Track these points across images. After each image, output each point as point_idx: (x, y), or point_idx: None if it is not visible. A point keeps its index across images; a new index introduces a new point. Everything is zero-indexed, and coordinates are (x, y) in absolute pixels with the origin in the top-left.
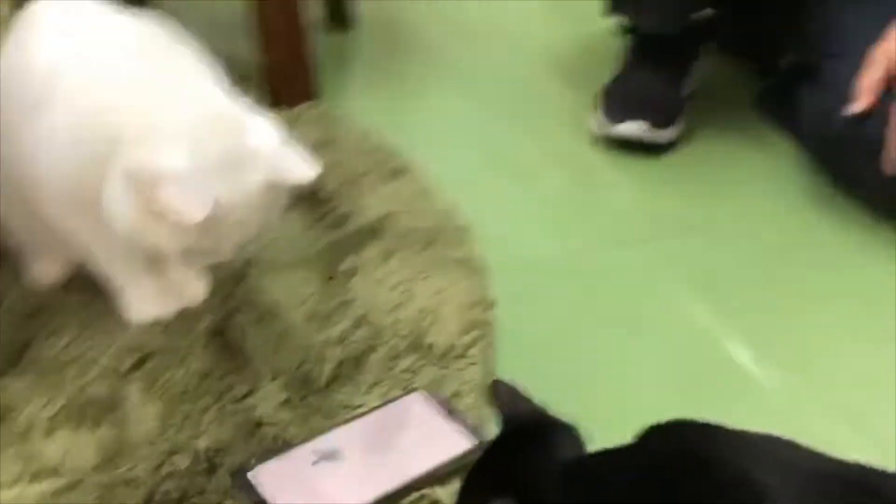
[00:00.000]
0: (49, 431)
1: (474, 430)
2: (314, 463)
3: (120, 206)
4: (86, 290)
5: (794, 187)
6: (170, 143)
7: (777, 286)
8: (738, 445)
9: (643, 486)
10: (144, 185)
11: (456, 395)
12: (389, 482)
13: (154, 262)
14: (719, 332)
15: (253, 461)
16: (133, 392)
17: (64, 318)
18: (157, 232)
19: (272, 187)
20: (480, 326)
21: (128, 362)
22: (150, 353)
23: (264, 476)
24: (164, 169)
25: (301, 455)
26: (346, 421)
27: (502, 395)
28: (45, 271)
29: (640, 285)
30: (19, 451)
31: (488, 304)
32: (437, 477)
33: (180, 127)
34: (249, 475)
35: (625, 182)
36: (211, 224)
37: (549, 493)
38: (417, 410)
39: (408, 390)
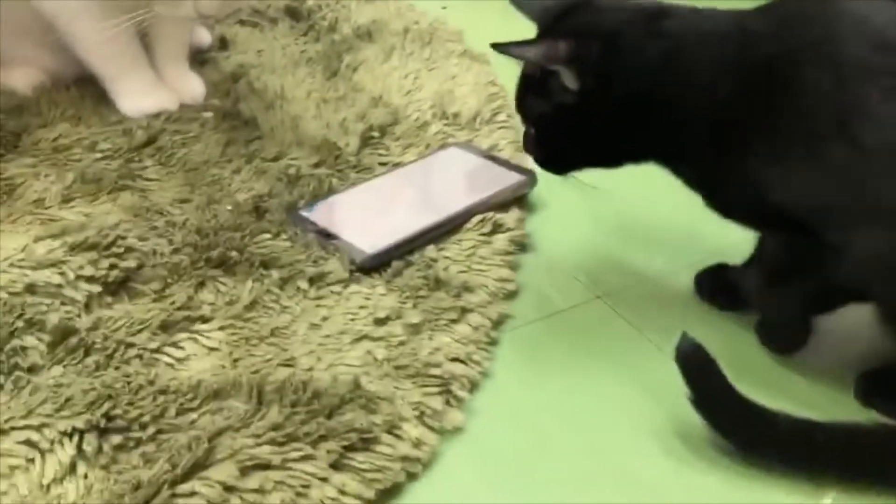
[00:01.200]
0: (66, 201)
1: (520, 167)
2: (366, 200)
3: None
4: (73, 88)
5: None
6: None
7: None
8: None
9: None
10: None
11: (491, 148)
12: (448, 209)
13: (144, 55)
14: None
15: (303, 203)
16: (149, 166)
17: (56, 110)
18: None
19: None
20: (500, 98)
21: (138, 139)
22: (160, 132)
23: (318, 213)
24: None
25: (351, 195)
26: (390, 170)
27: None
28: (21, 79)
29: None
30: (36, 217)
31: (501, 88)
32: (495, 204)
33: None
34: (303, 212)
35: None
36: None
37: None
38: (460, 157)
39: (445, 144)
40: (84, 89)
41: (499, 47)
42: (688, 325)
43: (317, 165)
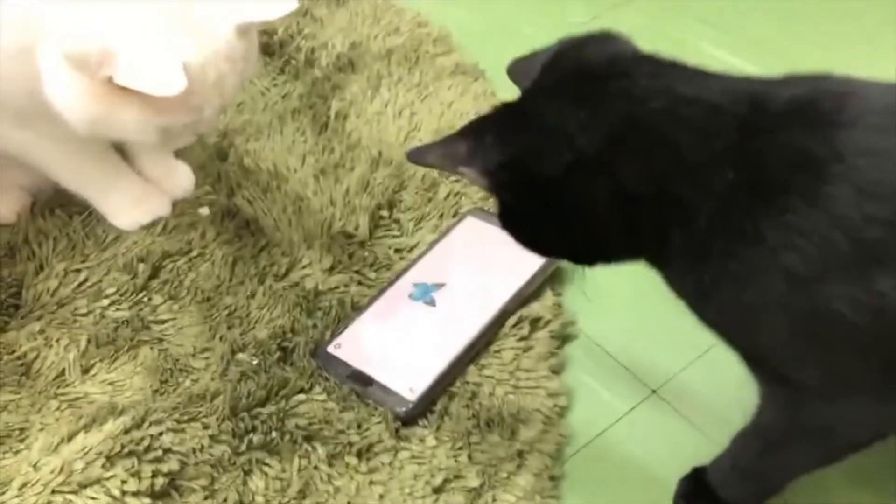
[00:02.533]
0: (85, 371)
1: None
2: (392, 317)
3: (72, 95)
4: (59, 210)
5: None
6: (102, 8)
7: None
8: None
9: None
10: (93, 65)
11: None
12: (480, 318)
13: (126, 162)
14: (744, 63)
15: (328, 335)
16: (159, 304)
17: (47, 246)
18: (125, 116)
19: (244, 33)
20: None
21: (142, 275)
22: (162, 257)
23: (346, 346)
24: (111, 38)
25: (375, 315)
26: (409, 265)
27: (521, 72)
28: (7, 204)
29: (645, 41)
30: (61, 401)
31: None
32: (527, 296)
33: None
34: (331, 350)
35: None
36: (186, 93)
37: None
38: (479, 231)
39: (460, 216)
40: (70, 208)
41: (412, 155)
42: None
43: (332, 270)
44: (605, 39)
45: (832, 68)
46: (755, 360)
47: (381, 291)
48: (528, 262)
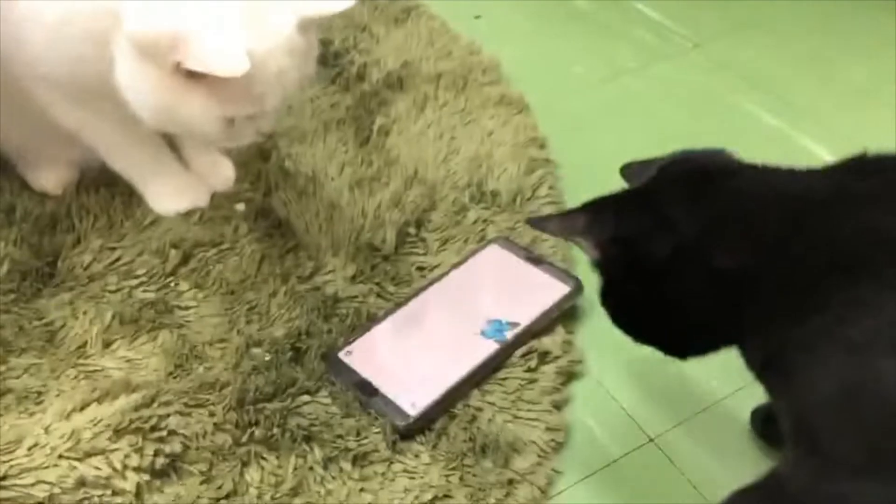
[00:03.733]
0: (106, 345)
1: (565, 273)
2: (405, 332)
3: (141, 83)
4: (103, 188)
5: None
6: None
7: (837, 81)
8: None
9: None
10: (163, 50)
11: (534, 240)
12: (489, 345)
13: (172, 151)
14: (788, 127)
15: (341, 341)
16: (185, 290)
17: (87, 221)
18: (190, 105)
19: (305, 27)
20: (542, 165)
21: (172, 260)
22: (194, 245)
23: (357, 354)
24: (181, 22)
25: (390, 327)
26: (429, 284)
27: (635, 173)
28: (51, 179)
29: (691, 94)
30: (80, 371)
31: (542, 142)
32: (540, 328)
33: None
34: (341, 356)
35: None
36: (248, 82)
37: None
38: (500, 261)
39: (485, 242)
40: (114, 188)
41: (533, 223)
42: (743, 476)
43: (354, 279)
44: (718, 152)
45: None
46: (798, 425)
47: (399, 306)
48: (545, 296)
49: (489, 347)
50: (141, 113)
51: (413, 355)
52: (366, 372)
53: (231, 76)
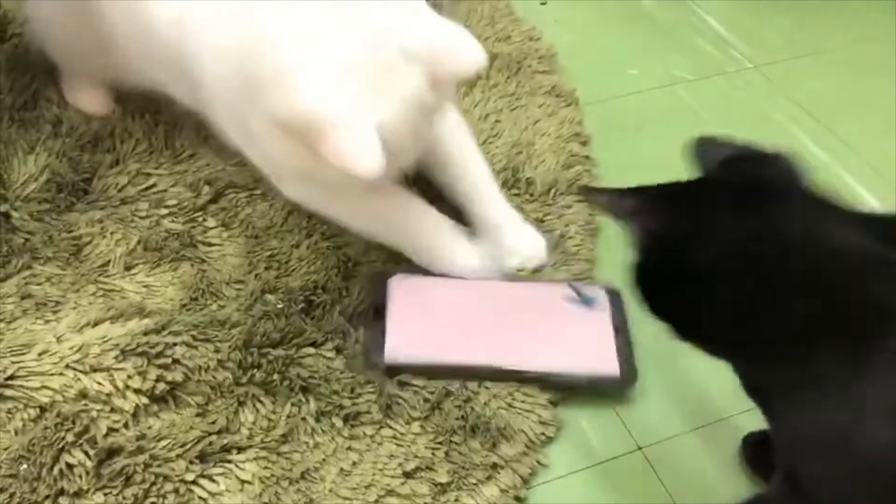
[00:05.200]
0: (127, 268)
1: (628, 359)
2: (447, 301)
3: (280, 150)
4: (148, 115)
5: None
6: (312, 73)
7: (892, 125)
8: None
9: None
10: (302, 133)
11: (562, 236)
12: (519, 358)
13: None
14: (832, 160)
15: (403, 267)
16: (211, 227)
17: (128, 144)
18: (329, 174)
19: (436, 83)
20: (581, 161)
21: (204, 196)
22: (227, 186)
23: (404, 286)
24: (317, 114)
25: (442, 286)
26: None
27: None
28: (92, 103)
29: (742, 113)
30: (99, 288)
31: (585, 138)
32: (563, 384)
33: (326, 58)
34: (392, 279)
35: (722, 2)
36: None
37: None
38: (573, 309)
39: (561, 280)
40: (158, 115)
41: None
42: (722, 498)
43: (378, 245)
44: (786, 160)
45: None
46: (782, 459)
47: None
48: (594, 362)
49: (509, 362)
50: (282, 173)
51: (436, 320)
52: (395, 300)
53: (365, 176)
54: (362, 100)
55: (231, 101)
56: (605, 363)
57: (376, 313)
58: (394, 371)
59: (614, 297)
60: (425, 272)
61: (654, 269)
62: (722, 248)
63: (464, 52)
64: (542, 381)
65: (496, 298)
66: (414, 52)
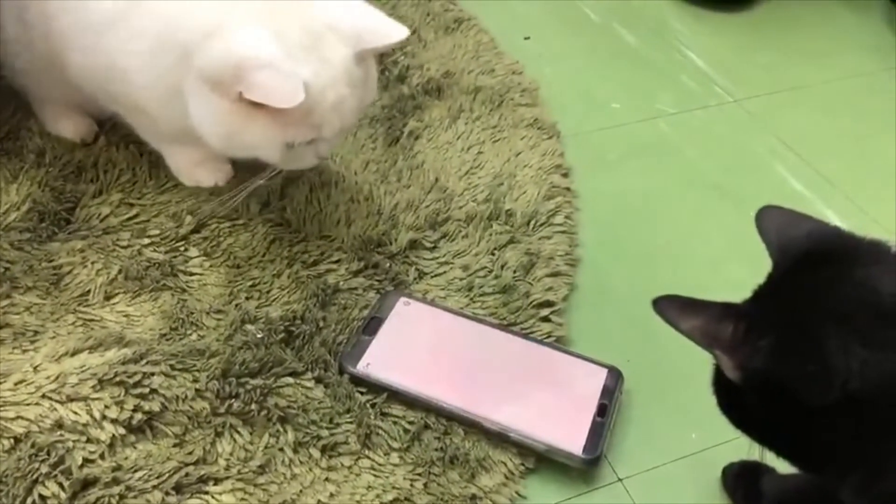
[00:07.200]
0: (107, 297)
1: (597, 441)
2: (438, 328)
3: (208, 112)
4: (132, 145)
5: (887, 45)
6: (242, 30)
7: (870, 159)
8: None
9: None
10: (227, 81)
11: (547, 256)
12: (486, 409)
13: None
14: (812, 194)
15: (411, 288)
16: (193, 257)
17: (112, 174)
18: (253, 132)
19: (362, 58)
20: (562, 193)
21: (186, 226)
22: (210, 215)
23: (411, 306)
24: (244, 56)
25: (436, 313)
26: (503, 325)
27: (775, 228)
28: (76, 125)
29: (724, 146)
30: (78, 318)
31: (566, 170)
32: (522, 445)
33: (250, 13)
34: (402, 299)
35: (704, 39)
36: (307, 111)
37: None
38: (565, 376)
39: (562, 347)
40: (143, 146)
41: (658, 305)
42: None
43: (357, 273)
44: (886, 257)
45: None
46: None
47: (465, 315)
48: (565, 436)
49: (475, 410)
50: (209, 139)
51: (422, 346)
52: (391, 319)
53: (287, 107)
54: (289, 54)
55: (165, 85)
56: (571, 438)
57: (370, 325)
58: (359, 382)
59: (613, 374)
60: (428, 303)
61: (753, 406)
62: (856, 387)
63: (387, 27)
64: (502, 438)
65: (494, 346)
66: (341, 28)
